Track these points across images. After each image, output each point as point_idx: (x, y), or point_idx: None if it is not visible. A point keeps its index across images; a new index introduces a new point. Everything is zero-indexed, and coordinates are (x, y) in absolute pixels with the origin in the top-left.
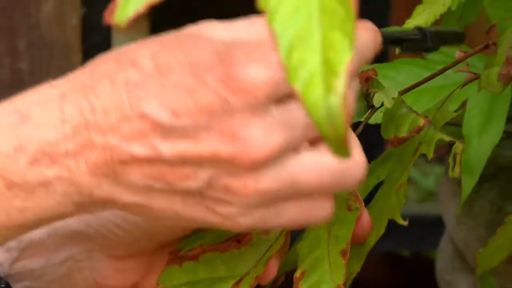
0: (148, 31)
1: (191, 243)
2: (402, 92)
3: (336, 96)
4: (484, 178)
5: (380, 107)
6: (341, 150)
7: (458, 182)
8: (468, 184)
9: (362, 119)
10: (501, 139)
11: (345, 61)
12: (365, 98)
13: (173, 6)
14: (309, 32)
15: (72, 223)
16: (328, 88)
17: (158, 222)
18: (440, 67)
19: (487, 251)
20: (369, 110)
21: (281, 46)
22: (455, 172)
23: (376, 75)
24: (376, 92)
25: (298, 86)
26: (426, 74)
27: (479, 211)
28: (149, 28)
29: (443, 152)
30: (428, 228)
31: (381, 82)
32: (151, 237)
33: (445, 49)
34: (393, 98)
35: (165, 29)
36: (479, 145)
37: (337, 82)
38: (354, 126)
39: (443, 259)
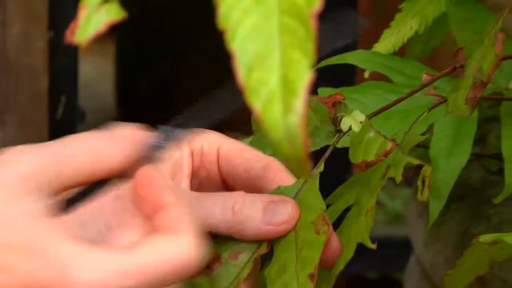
0: (114, 56)
1: None
2: (370, 116)
3: (295, 115)
4: (452, 200)
5: (348, 131)
6: (300, 169)
7: (425, 204)
8: (435, 207)
9: (330, 143)
10: (469, 161)
11: (304, 80)
12: (333, 122)
13: (138, 32)
14: (269, 51)
15: None
16: (287, 107)
17: None
18: (406, 90)
19: (455, 274)
20: (337, 134)
21: (241, 65)
22: (424, 196)
23: (343, 99)
24: (344, 116)
25: (257, 105)
26: (393, 97)
27: (447, 233)
28: (115, 53)
29: (411, 175)
30: (396, 250)
31: (348, 106)
32: None
33: (410, 71)
34: (360, 122)
35: (130, 54)
36: (446, 168)
37: (296, 101)
38: (322, 150)
39: (410, 281)
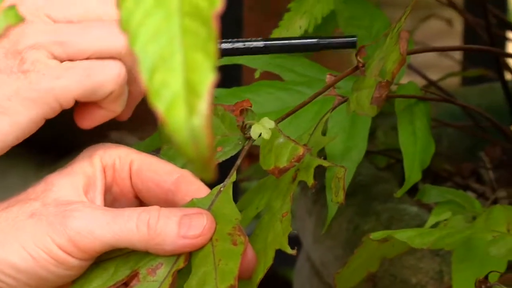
0: None
1: None
2: (278, 121)
3: (199, 117)
4: None
5: (258, 138)
6: (205, 171)
7: (314, 200)
8: (333, 206)
9: (240, 151)
10: None
11: (207, 82)
12: (241, 130)
13: None
14: (171, 53)
15: None
16: (191, 109)
17: (45, 271)
18: (298, 88)
19: (345, 272)
20: (246, 142)
21: (143, 68)
22: (340, 198)
23: (251, 106)
24: (253, 123)
25: (161, 108)
26: (286, 95)
27: (337, 229)
28: None
29: None
30: None
31: (255, 113)
32: (41, 285)
33: (300, 68)
34: (270, 129)
35: None
36: (342, 164)
37: (199, 103)
38: (233, 158)
39: (299, 278)
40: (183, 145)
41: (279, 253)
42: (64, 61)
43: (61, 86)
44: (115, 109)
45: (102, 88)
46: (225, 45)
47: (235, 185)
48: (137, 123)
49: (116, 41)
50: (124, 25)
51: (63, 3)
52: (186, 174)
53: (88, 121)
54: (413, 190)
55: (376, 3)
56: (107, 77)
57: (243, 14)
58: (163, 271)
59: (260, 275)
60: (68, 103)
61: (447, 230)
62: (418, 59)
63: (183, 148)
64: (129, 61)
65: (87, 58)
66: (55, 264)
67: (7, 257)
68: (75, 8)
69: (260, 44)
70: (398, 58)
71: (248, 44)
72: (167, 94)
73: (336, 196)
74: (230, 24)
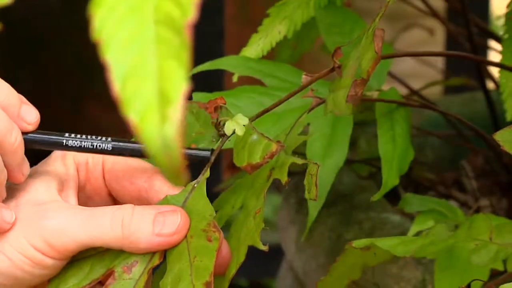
0: None
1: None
2: (252, 119)
3: (171, 126)
4: (323, 205)
5: (232, 135)
6: (176, 179)
7: (296, 209)
8: (314, 208)
9: (215, 147)
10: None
11: (180, 90)
12: (216, 127)
13: (1, 44)
14: (144, 61)
15: None
16: (163, 117)
17: (20, 271)
18: (279, 93)
19: (328, 280)
20: (220, 139)
21: (115, 76)
22: (312, 194)
23: (225, 103)
24: (227, 120)
25: (133, 117)
26: (267, 100)
27: (319, 238)
28: None
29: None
30: (266, 256)
31: (230, 110)
32: (16, 284)
33: (282, 74)
34: (244, 126)
35: None
36: (323, 169)
37: (172, 111)
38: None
39: (282, 287)
40: (155, 154)
41: (261, 263)
42: None
43: None
44: None
45: None
46: (72, 142)
47: (215, 195)
48: (120, 130)
49: None
50: (97, 33)
51: None
52: (159, 171)
53: None
54: (396, 199)
55: (356, 11)
56: None
57: (225, 24)
58: (138, 269)
59: (232, 271)
60: None
61: (430, 238)
62: (400, 68)
63: (156, 157)
64: None
65: None
66: (31, 264)
67: None
68: None
69: (109, 146)
70: (373, 56)
71: (96, 144)
72: (139, 103)
73: (309, 193)
74: (212, 34)
